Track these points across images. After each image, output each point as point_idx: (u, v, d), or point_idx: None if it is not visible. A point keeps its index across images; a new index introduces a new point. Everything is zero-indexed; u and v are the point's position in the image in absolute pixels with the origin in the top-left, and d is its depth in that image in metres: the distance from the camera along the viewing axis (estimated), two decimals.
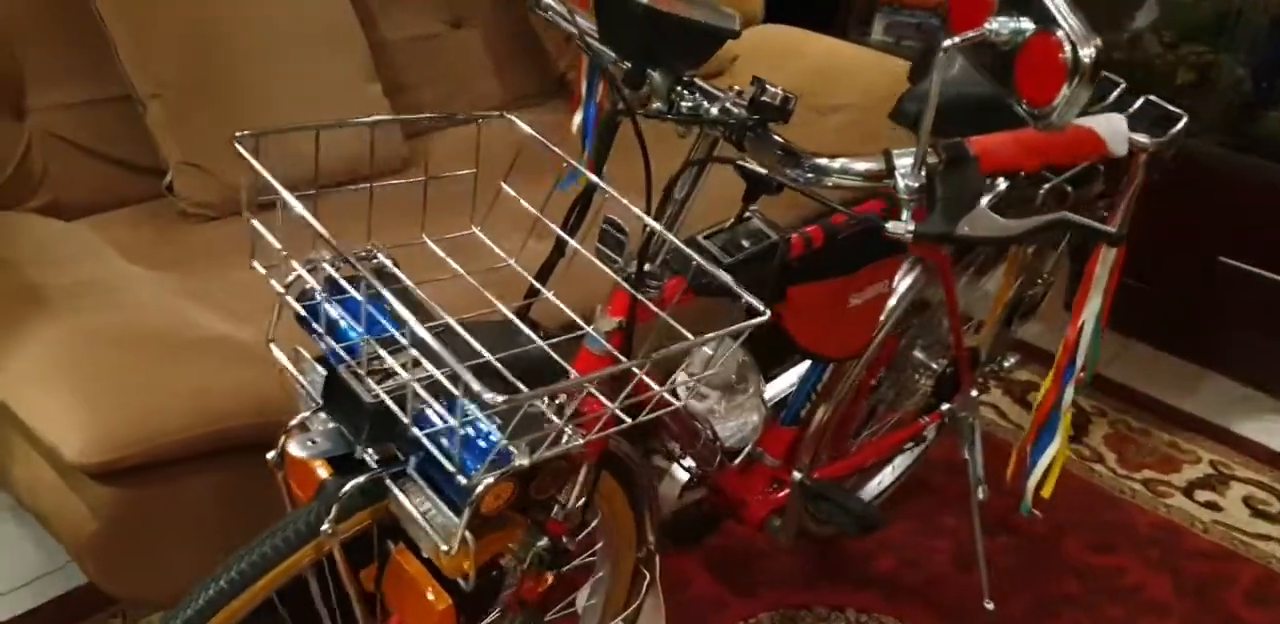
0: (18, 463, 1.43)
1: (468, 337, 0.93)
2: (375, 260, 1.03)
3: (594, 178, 1.01)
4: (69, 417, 1.30)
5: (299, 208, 0.85)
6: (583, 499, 1.12)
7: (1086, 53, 0.83)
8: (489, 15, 2.23)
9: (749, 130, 1.00)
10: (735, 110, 1.00)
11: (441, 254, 1.05)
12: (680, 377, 1.31)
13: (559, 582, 1.16)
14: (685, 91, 1.02)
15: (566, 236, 1.04)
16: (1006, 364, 1.83)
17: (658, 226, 0.96)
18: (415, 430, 0.85)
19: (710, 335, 0.89)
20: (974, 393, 1.82)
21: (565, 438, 0.88)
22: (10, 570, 1.75)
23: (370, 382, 0.88)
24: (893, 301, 1.51)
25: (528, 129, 1.04)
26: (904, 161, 0.93)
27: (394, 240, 1.04)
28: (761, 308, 0.89)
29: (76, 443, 1.27)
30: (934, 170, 0.93)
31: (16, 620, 1.68)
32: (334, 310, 0.96)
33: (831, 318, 1.35)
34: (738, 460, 1.55)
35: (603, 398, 0.94)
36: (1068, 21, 0.84)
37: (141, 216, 1.81)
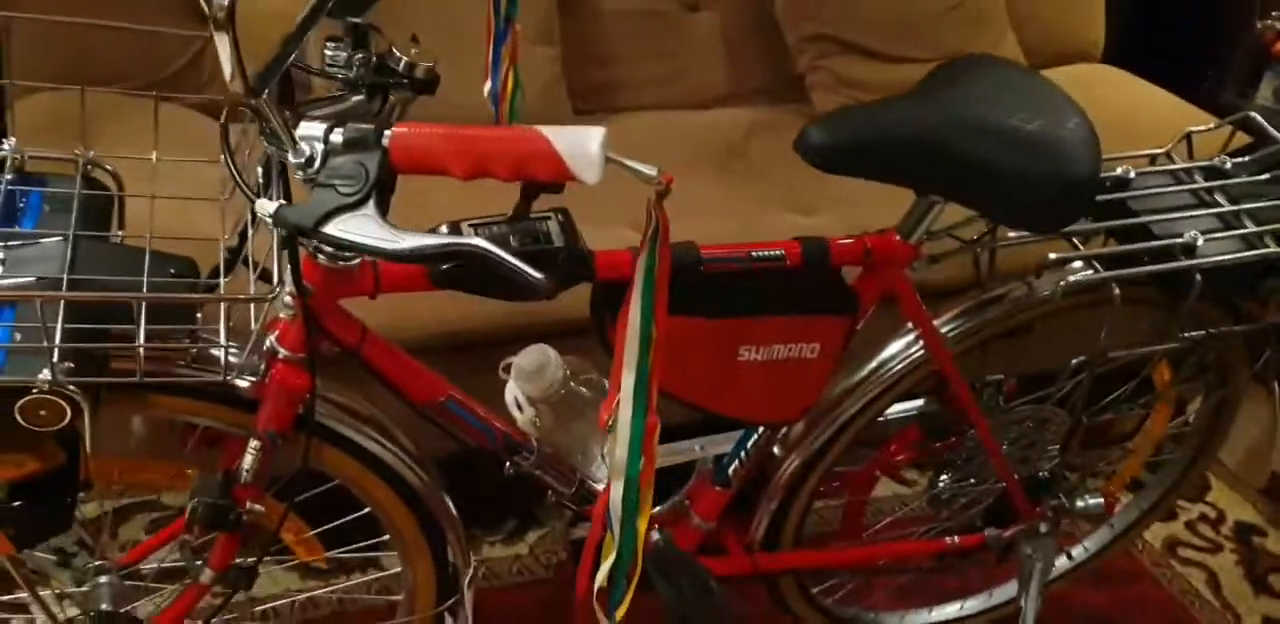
0: None
1: (66, 251, 0.91)
2: (80, 162, 1.02)
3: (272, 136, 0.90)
4: None
5: None
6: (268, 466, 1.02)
7: None
8: (731, 1, 2.08)
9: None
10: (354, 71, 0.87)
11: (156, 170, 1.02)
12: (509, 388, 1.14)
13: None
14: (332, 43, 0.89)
15: (247, 190, 0.93)
16: (1081, 504, 1.40)
17: (253, 198, 0.87)
18: None
19: None
20: (1043, 528, 1.44)
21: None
22: None
23: None
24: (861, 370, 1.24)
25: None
26: (308, 129, 0.76)
27: None
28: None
29: None
30: (332, 148, 0.75)
31: None
32: None
33: (709, 366, 1.12)
34: (658, 508, 1.35)
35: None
36: None
37: None
